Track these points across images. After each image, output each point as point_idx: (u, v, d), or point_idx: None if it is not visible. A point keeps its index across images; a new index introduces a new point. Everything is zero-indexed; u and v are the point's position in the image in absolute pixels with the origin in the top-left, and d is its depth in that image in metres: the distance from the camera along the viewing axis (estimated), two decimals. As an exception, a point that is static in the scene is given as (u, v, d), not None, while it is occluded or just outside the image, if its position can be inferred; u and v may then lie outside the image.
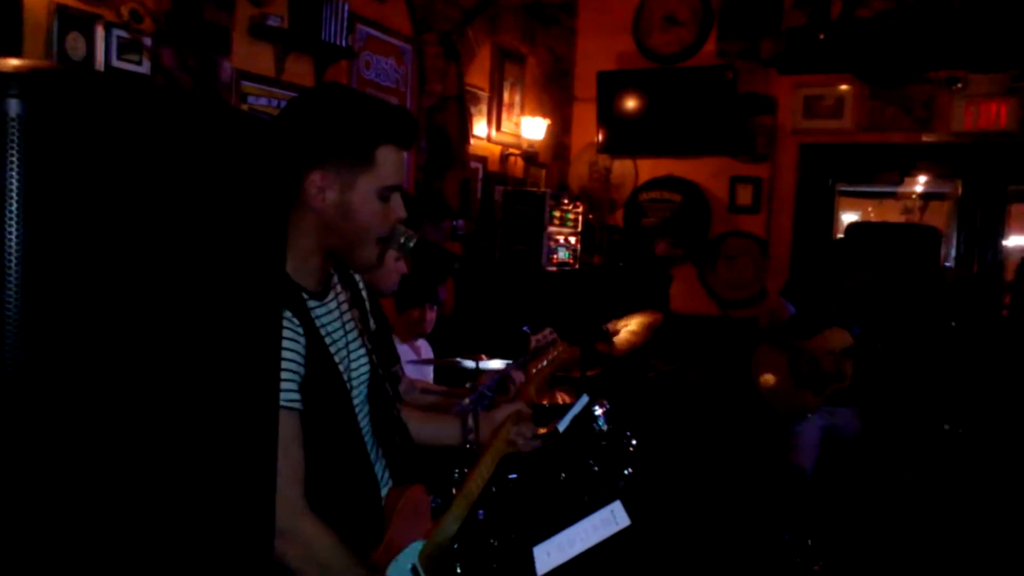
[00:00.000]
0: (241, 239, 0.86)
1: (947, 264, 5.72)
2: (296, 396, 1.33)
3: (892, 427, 3.93)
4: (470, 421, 1.71)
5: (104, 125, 0.70)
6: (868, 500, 3.75)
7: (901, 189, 6.67)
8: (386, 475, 1.52)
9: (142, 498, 0.74)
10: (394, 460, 1.54)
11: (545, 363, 1.72)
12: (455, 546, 2.48)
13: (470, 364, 2.80)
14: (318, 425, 1.37)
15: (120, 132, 0.71)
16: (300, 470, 1.32)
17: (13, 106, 0.64)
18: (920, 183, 6.44)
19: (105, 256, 0.69)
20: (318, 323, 1.42)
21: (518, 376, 1.81)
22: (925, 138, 5.57)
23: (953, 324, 3.82)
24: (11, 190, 0.64)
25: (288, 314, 1.34)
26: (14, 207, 0.64)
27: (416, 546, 1.46)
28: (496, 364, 2.82)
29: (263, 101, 3.80)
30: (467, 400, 2.54)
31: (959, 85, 5.36)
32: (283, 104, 3.85)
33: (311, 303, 1.42)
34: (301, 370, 1.35)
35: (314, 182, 1.37)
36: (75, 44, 3.02)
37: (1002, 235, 5.67)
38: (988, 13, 5.16)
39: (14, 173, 0.64)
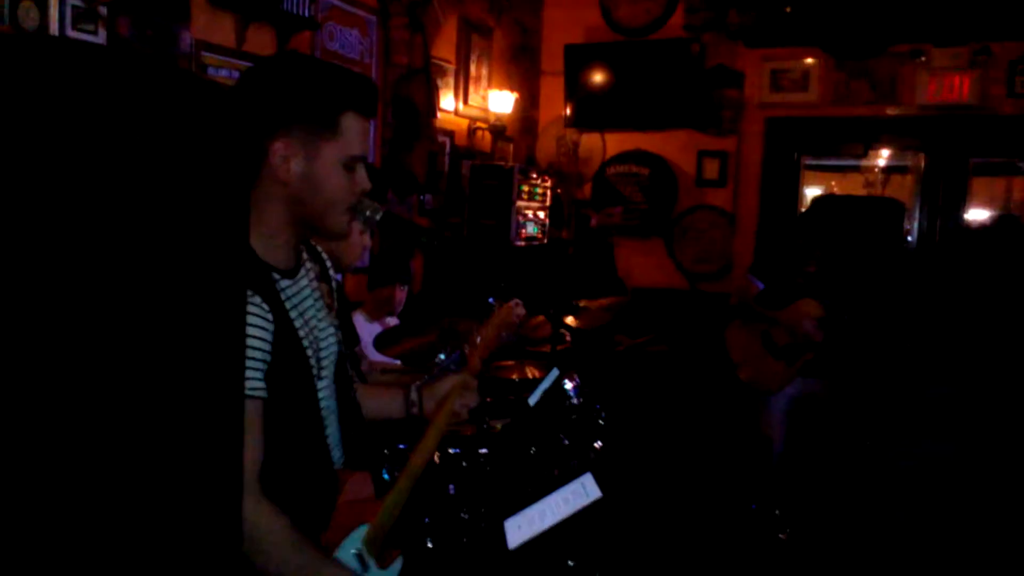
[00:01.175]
0: (203, 214, 0.83)
1: (909, 239, 5.81)
2: (260, 384, 1.30)
3: (858, 397, 3.99)
4: (413, 394, 1.70)
5: (59, 93, 0.67)
6: (835, 470, 3.81)
7: (864, 163, 6.74)
8: (340, 455, 1.50)
9: (100, 492, 0.71)
10: (350, 440, 1.52)
11: (490, 326, 1.71)
12: (425, 520, 2.48)
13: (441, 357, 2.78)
14: (280, 408, 1.34)
15: (76, 101, 0.68)
16: (257, 459, 1.29)
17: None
18: (884, 156, 6.51)
19: (56, 231, 0.66)
20: (288, 304, 1.39)
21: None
22: (889, 111, 5.62)
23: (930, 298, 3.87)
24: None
25: (256, 299, 1.30)
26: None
27: (360, 531, 1.44)
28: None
29: (223, 72, 3.72)
30: (426, 378, 2.52)
31: (922, 58, 5.41)
32: (245, 76, 3.78)
33: (282, 282, 1.39)
34: (267, 356, 1.32)
35: (278, 151, 1.33)
36: (28, 13, 2.92)
37: (964, 208, 5.76)
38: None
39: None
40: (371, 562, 1.45)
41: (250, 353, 1.27)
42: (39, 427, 0.67)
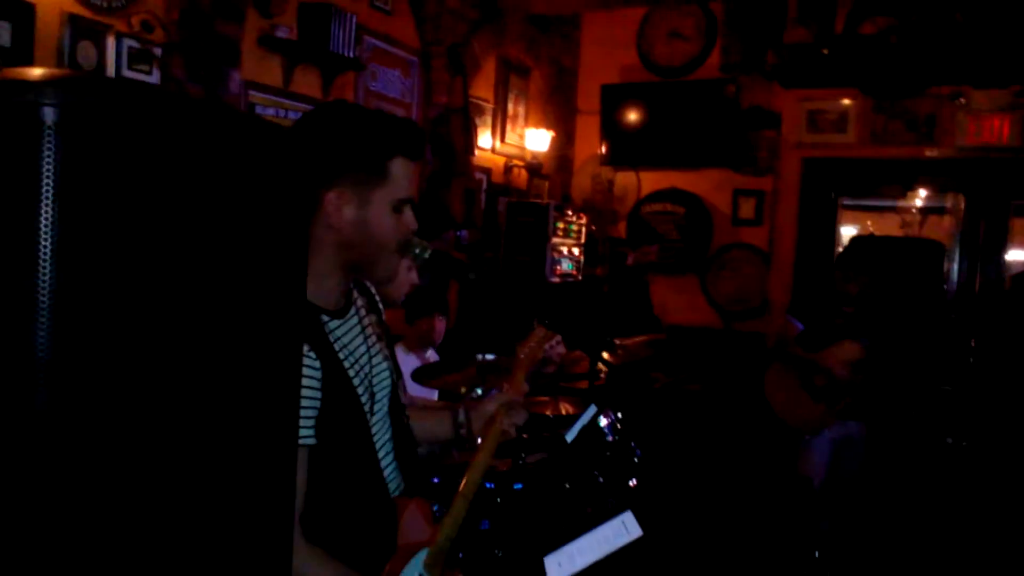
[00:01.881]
0: (264, 258, 0.84)
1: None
2: (308, 432, 1.33)
3: (898, 439, 3.93)
4: (461, 416, 1.73)
5: (134, 133, 0.69)
6: (875, 511, 3.74)
7: (901, 203, 6.69)
8: (398, 485, 1.52)
9: (149, 538, 0.72)
10: (407, 469, 1.54)
11: (531, 345, 1.73)
12: (460, 555, 2.48)
13: (489, 356, 2.81)
14: (334, 448, 1.37)
15: (148, 141, 0.70)
16: (298, 507, 1.32)
17: (49, 114, 0.65)
18: (921, 197, 6.46)
19: (128, 268, 0.68)
20: (338, 344, 1.42)
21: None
22: (928, 152, 5.59)
23: (973, 343, 3.83)
24: (47, 196, 0.64)
25: (304, 347, 1.33)
26: (50, 214, 0.64)
27: (421, 555, 1.47)
28: (490, 356, 2.85)
29: (270, 111, 3.82)
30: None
31: (962, 100, 5.39)
32: (291, 115, 3.88)
33: (332, 323, 1.42)
34: (317, 402, 1.35)
35: (331, 199, 1.38)
36: (87, 53, 3.04)
37: (1004, 250, 5.68)
38: (991, 29, 5.19)
39: (50, 180, 0.64)
40: None
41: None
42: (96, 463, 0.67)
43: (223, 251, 0.78)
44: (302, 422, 1.31)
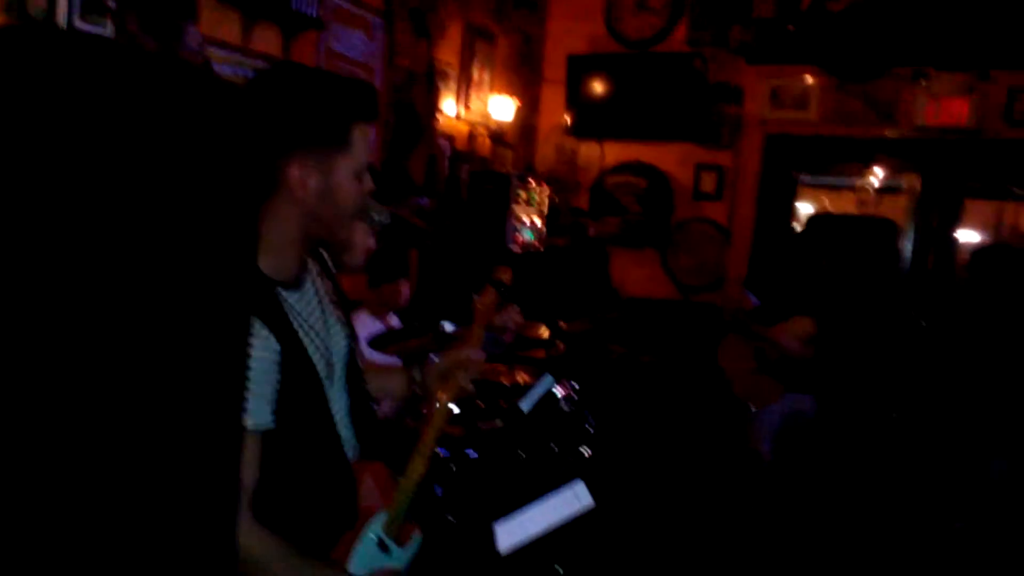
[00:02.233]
0: (213, 226, 0.79)
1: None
2: (265, 416, 1.30)
3: (846, 414, 4.02)
4: (416, 373, 1.72)
5: (76, 87, 0.65)
6: (822, 484, 3.83)
7: (858, 182, 6.79)
8: (355, 448, 1.52)
9: (90, 521, 0.69)
10: (363, 434, 1.54)
11: (488, 299, 1.73)
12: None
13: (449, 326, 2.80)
14: (294, 427, 1.35)
15: (93, 95, 0.66)
16: (248, 491, 1.29)
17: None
18: (878, 176, 6.55)
19: (62, 231, 0.64)
20: (294, 316, 1.38)
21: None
22: (887, 132, 5.67)
23: (923, 324, 3.92)
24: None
25: (264, 329, 1.30)
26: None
27: (380, 518, 1.47)
28: (450, 327, 2.84)
29: (227, 69, 3.72)
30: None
31: (923, 81, 5.45)
32: (249, 73, 3.79)
33: (289, 296, 1.39)
34: (276, 384, 1.32)
35: (294, 172, 1.33)
36: (36, 2, 2.92)
37: (957, 231, 5.81)
38: (955, 11, 5.26)
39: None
40: (391, 544, 1.48)
41: (256, 387, 1.27)
42: (27, 443, 0.64)
43: (170, 213, 0.75)
44: (260, 404, 1.29)
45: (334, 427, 1.45)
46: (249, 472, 1.29)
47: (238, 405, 0.86)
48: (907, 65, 5.49)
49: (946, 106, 5.39)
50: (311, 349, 1.40)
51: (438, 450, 2.64)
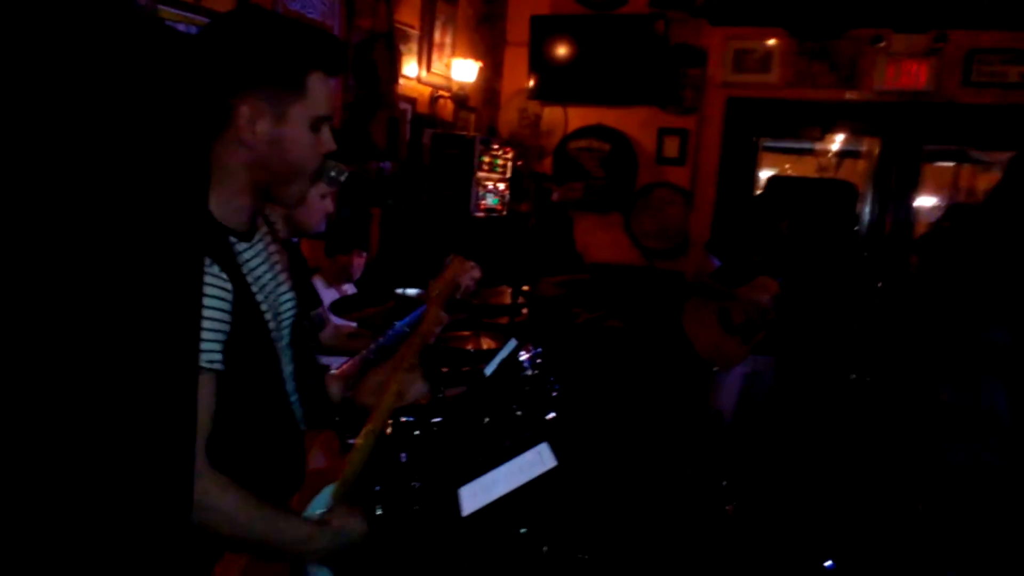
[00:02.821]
0: (160, 170, 0.78)
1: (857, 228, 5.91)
2: (216, 356, 1.27)
3: (806, 374, 4.08)
4: (351, 383, 1.72)
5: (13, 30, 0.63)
6: (782, 444, 3.90)
7: (819, 146, 6.84)
8: (300, 417, 1.49)
9: (41, 463, 0.67)
10: (309, 403, 1.51)
11: (445, 280, 1.71)
12: (376, 488, 2.48)
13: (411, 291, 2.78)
14: (242, 375, 1.32)
15: (31, 38, 0.63)
16: (204, 433, 1.27)
17: None
18: (839, 140, 6.61)
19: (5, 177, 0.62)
20: (246, 268, 1.35)
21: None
22: (848, 96, 5.70)
23: (879, 284, 3.97)
24: None
25: (215, 268, 1.26)
26: None
27: (327, 491, 1.45)
28: (413, 292, 2.82)
29: (180, 27, 3.61)
30: (381, 339, 2.51)
31: (882, 44, 5.48)
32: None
33: (239, 246, 1.36)
34: (227, 326, 1.29)
35: (243, 112, 1.29)
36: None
37: (915, 194, 5.88)
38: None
39: None
40: None
41: (208, 325, 1.24)
42: None
43: (111, 159, 0.72)
44: (211, 346, 1.25)
45: (283, 384, 1.41)
46: (204, 413, 1.26)
47: (192, 343, 0.85)
48: (866, 26, 5.51)
49: (905, 68, 5.43)
50: (261, 301, 1.37)
51: (403, 417, 2.62)
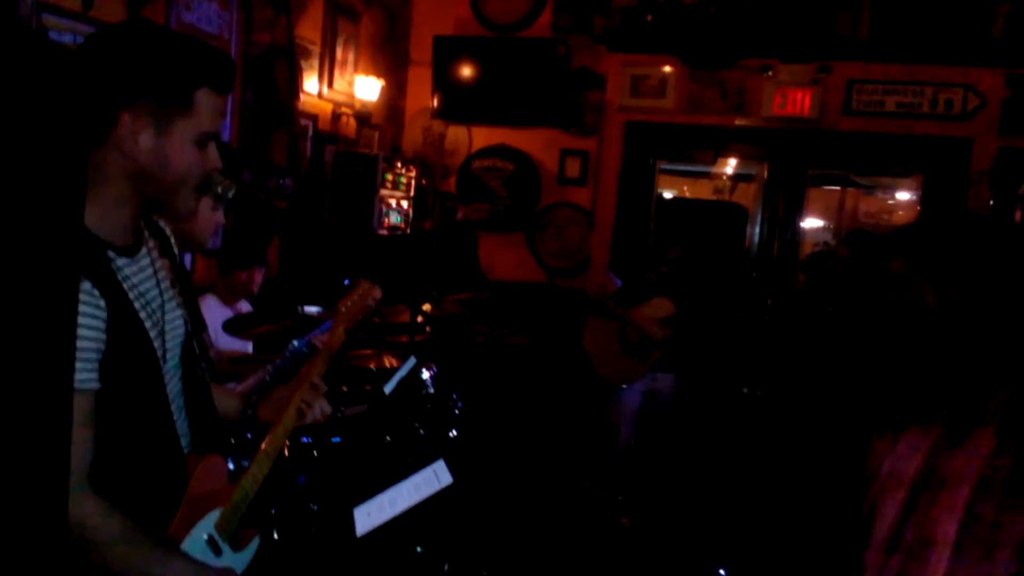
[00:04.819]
0: (32, 184, 0.76)
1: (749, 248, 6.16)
2: (90, 376, 1.23)
3: (701, 390, 4.21)
4: (253, 398, 1.69)
5: None
6: (678, 459, 4.01)
7: (714, 169, 7.10)
8: (188, 440, 1.44)
9: None
10: (197, 425, 1.46)
11: (353, 300, 1.70)
12: (272, 511, 2.42)
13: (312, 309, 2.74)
14: (122, 396, 1.28)
15: None
16: (85, 455, 1.23)
17: None
18: (731, 165, 6.88)
19: None
20: (127, 284, 1.31)
21: (322, 339, 1.77)
22: (737, 122, 5.95)
23: (769, 301, 4.14)
24: None
25: (86, 284, 1.22)
26: None
27: (212, 515, 1.41)
28: (314, 309, 2.79)
29: (67, 38, 3.47)
30: (278, 361, 2.47)
31: (770, 73, 5.75)
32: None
33: (120, 261, 1.32)
34: (101, 345, 1.24)
35: (125, 123, 1.26)
36: None
37: (800, 216, 6.17)
38: (798, 8, 5.58)
39: None
40: (224, 546, 1.41)
41: (79, 344, 1.20)
42: None
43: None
44: (83, 364, 1.21)
45: (168, 404, 1.37)
46: (84, 436, 1.22)
47: (63, 363, 0.82)
48: (755, 56, 5.78)
49: (791, 97, 5.71)
50: (145, 319, 1.33)
51: (301, 438, 2.57)
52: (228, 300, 3.43)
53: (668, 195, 7.33)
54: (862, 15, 5.58)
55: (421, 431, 2.89)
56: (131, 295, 1.31)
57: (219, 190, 1.40)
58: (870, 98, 5.70)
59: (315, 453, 2.60)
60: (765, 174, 6.19)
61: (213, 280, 3.53)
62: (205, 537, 1.39)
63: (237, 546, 1.45)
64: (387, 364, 3.52)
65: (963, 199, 5.53)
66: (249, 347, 3.24)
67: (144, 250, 1.39)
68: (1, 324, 0.73)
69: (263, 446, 1.50)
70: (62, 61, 0.82)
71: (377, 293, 1.71)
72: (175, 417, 1.40)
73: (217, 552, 1.40)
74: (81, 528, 1.20)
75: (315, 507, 2.51)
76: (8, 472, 0.75)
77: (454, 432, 3.01)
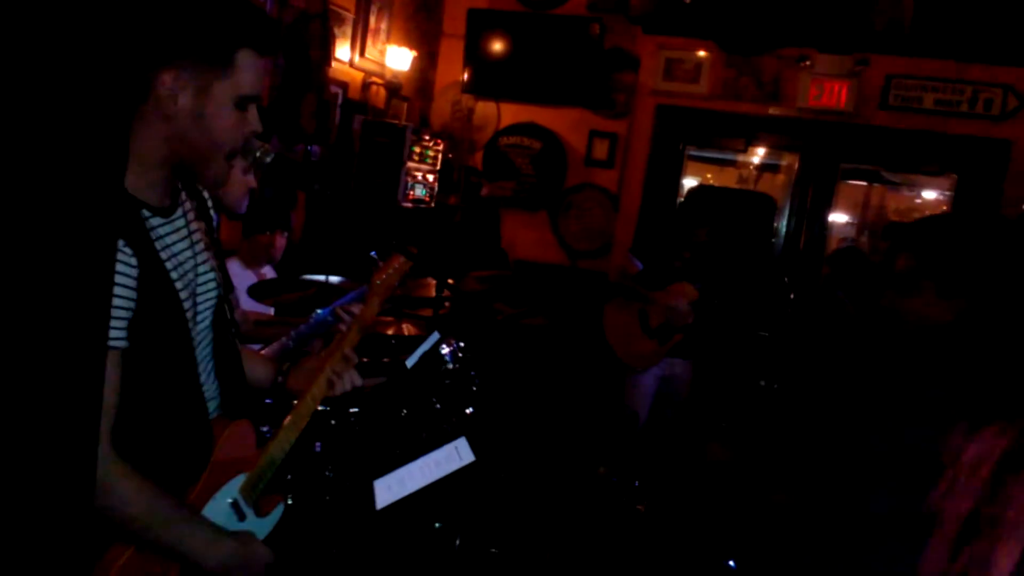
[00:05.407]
0: (74, 142, 0.75)
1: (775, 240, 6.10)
2: (118, 334, 1.22)
3: (718, 379, 4.19)
4: (286, 367, 1.66)
5: None
6: (694, 446, 3.99)
7: (741, 158, 7.02)
8: (217, 404, 1.44)
9: None
10: (228, 389, 1.46)
11: (388, 273, 1.68)
12: (288, 477, 2.43)
13: (319, 279, 2.72)
14: (150, 356, 1.27)
15: None
16: (109, 415, 1.23)
17: None
18: (759, 154, 6.80)
19: None
20: (160, 244, 1.30)
21: (348, 308, 1.76)
22: (771, 111, 5.86)
23: (792, 296, 4.10)
24: None
25: (120, 243, 1.21)
26: None
27: (237, 480, 1.41)
28: (336, 279, 2.79)
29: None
30: (302, 327, 2.47)
31: (807, 63, 5.66)
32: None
33: (155, 220, 1.31)
34: (132, 303, 1.23)
35: (165, 83, 1.25)
36: None
37: (829, 210, 6.10)
38: (839, -2, 5.49)
39: None
40: (248, 511, 1.41)
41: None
42: None
43: (14, 127, 0.68)
44: (113, 323, 1.20)
45: (195, 366, 1.37)
46: (108, 392, 1.21)
47: (98, 320, 0.81)
48: (793, 45, 5.68)
49: (827, 88, 5.62)
50: (176, 279, 1.32)
51: (318, 407, 2.58)
52: (250, 264, 3.43)
53: (693, 181, 7.25)
54: (903, 9, 5.47)
55: (438, 406, 2.89)
56: (163, 255, 1.31)
57: (257, 154, 1.38)
58: (908, 94, 5.60)
59: (332, 422, 2.60)
60: (796, 165, 6.11)
61: (236, 244, 3.53)
62: (229, 501, 1.39)
63: (260, 512, 1.45)
64: (406, 332, 3.52)
65: (996, 202, 5.44)
66: (271, 311, 3.25)
67: (180, 211, 1.38)
68: (37, 286, 0.72)
69: (290, 416, 1.49)
70: (104, 13, 0.81)
71: (407, 267, 1.69)
72: (204, 380, 1.40)
73: (241, 517, 1.41)
74: (101, 491, 1.19)
75: (330, 474, 2.52)
76: (37, 431, 0.75)
77: (471, 409, 3.01)
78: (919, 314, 1.54)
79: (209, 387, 1.42)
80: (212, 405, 1.42)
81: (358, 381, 1.59)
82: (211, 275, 1.43)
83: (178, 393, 1.34)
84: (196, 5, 1.28)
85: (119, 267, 1.22)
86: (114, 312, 1.21)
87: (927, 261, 1.54)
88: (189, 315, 1.34)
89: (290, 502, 2.41)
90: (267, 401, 2.29)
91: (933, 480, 1.19)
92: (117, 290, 1.21)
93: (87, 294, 0.80)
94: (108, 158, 0.82)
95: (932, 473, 1.19)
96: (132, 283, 1.24)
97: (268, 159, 1.40)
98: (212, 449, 1.37)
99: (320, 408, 2.61)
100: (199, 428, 1.37)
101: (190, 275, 1.36)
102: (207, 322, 1.42)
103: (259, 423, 1.85)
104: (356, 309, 1.62)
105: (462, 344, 3.02)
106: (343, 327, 1.64)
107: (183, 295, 1.33)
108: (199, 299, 1.38)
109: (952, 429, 1.20)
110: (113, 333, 1.21)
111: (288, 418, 1.49)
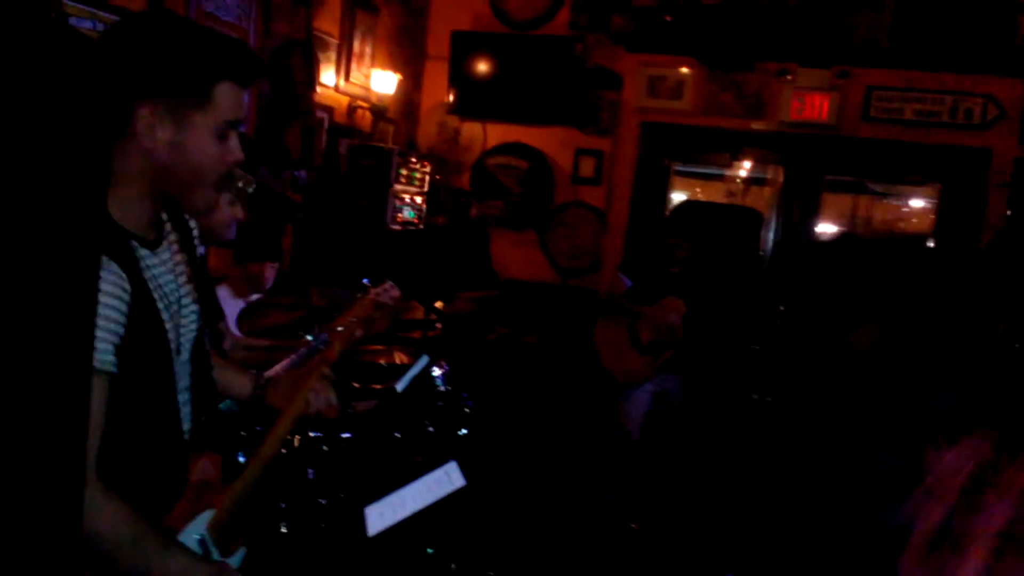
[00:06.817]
0: (55, 169, 0.76)
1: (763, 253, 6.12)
2: (109, 358, 1.21)
3: (710, 394, 4.19)
4: (263, 380, 1.66)
5: None
6: (687, 462, 3.98)
7: (728, 172, 7.07)
8: (191, 435, 1.44)
9: None
10: (199, 422, 1.45)
11: (350, 320, 1.68)
12: (281, 505, 2.41)
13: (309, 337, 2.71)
14: (132, 385, 1.27)
15: None
16: (95, 438, 1.21)
17: None
18: (746, 168, 6.84)
19: None
20: (148, 275, 1.30)
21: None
22: (754, 125, 5.91)
23: (781, 308, 4.12)
24: None
25: (113, 266, 1.22)
26: None
27: (205, 516, 1.40)
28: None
29: (87, 24, 3.47)
30: (294, 357, 2.47)
31: (788, 77, 5.72)
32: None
33: (142, 251, 1.31)
34: (121, 329, 1.23)
35: (143, 117, 1.26)
36: None
37: (815, 221, 6.14)
38: (819, 11, 5.54)
39: None
40: (214, 549, 1.40)
41: (102, 324, 1.19)
42: None
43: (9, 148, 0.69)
44: (104, 346, 1.20)
45: (175, 396, 1.36)
46: (95, 416, 1.20)
47: (85, 343, 0.81)
48: (774, 60, 5.74)
49: (809, 102, 5.67)
50: (163, 310, 1.32)
51: (310, 432, 2.57)
52: (240, 293, 3.42)
53: (681, 196, 7.28)
54: (883, 22, 5.53)
55: (431, 429, 2.88)
56: (151, 285, 1.31)
57: (239, 185, 1.39)
58: (889, 105, 5.66)
59: (324, 448, 2.59)
60: (780, 179, 6.15)
61: (225, 271, 3.52)
62: (196, 537, 1.38)
63: (226, 552, 1.43)
64: (398, 360, 3.52)
65: (980, 210, 5.49)
66: (263, 342, 3.24)
67: (165, 243, 1.39)
68: (26, 307, 0.72)
69: (256, 454, 1.49)
70: (81, 49, 0.81)
71: (394, 291, 1.69)
72: (181, 413, 1.39)
73: (206, 553, 1.39)
74: (91, 526, 1.17)
75: (324, 502, 2.50)
76: (26, 452, 0.75)
77: (464, 431, 3.00)
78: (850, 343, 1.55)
79: (185, 418, 1.41)
80: (186, 434, 1.41)
81: (335, 401, 1.59)
82: (193, 307, 1.43)
83: (158, 422, 1.34)
84: (173, 41, 1.29)
85: (114, 289, 1.21)
86: (106, 335, 1.21)
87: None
88: (173, 347, 1.34)
89: (284, 531, 2.40)
90: (258, 429, 2.28)
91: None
92: (110, 313, 1.21)
93: (71, 318, 0.81)
94: (86, 181, 0.82)
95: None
96: (125, 308, 1.23)
97: (250, 189, 1.41)
98: (187, 481, 1.37)
99: (312, 434, 2.60)
100: (176, 458, 1.37)
101: (175, 307, 1.36)
102: (187, 354, 1.42)
103: (245, 451, 1.84)
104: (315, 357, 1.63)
105: (453, 366, 3.03)
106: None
107: (168, 326, 1.33)
108: (182, 331, 1.38)
109: (933, 444, 1.21)
110: (104, 356, 1.21)
111: (252, 458, 1.48)
